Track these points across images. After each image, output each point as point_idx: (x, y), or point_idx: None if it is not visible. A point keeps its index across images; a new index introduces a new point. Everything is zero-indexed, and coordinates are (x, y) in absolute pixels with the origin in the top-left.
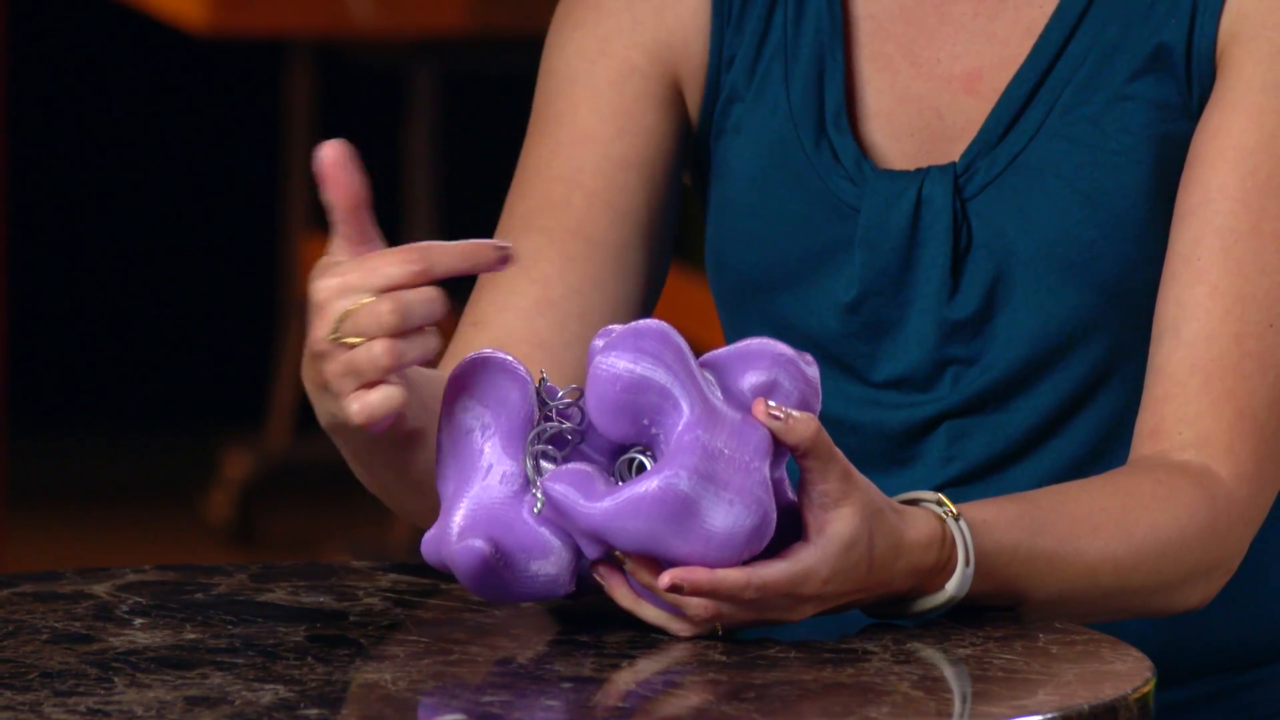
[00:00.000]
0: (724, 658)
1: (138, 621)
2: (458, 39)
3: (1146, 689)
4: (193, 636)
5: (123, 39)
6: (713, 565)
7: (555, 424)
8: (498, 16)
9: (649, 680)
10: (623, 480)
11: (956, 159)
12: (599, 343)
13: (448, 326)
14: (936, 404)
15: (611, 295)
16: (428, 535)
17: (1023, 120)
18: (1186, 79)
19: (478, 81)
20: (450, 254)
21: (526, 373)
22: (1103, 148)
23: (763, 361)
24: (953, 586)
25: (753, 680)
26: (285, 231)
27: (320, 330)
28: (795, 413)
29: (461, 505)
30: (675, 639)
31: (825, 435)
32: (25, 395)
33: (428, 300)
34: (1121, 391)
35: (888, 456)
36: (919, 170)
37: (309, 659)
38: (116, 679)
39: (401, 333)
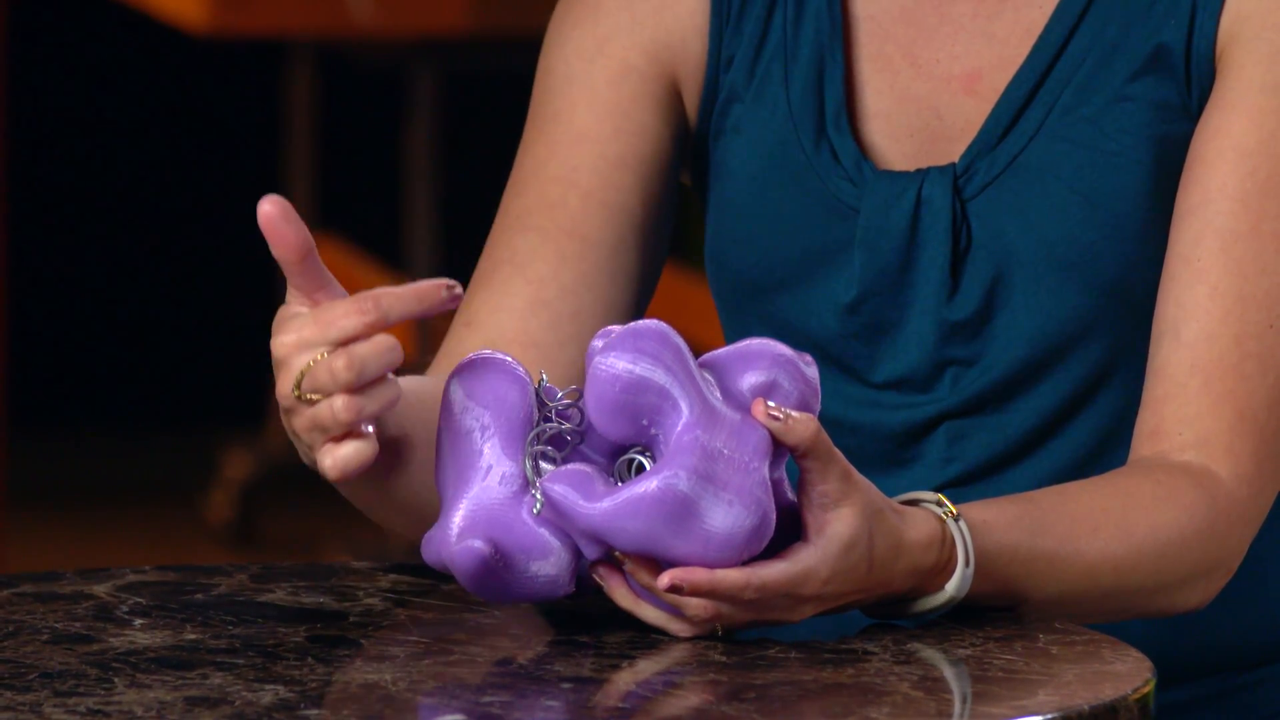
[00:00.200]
0: (724, 658)
1: (138, 622)
2: (458, 39)
3: (1146, 689)
4: (193, 637)
5: (123, 39)
6: (712, 566)
7: (554, 425)
8: (497, 17)
9: (649, 681)
10: (622, 481)
11: (956, 160)
12: (598, 343)
13: (441, 326)
14: (936, 405)
15: (605, 295)
16: (427, 536)
17: (1022, 121)
18: (1186, 79)
19: (478, 82)
20: (403, 299)
21: (526, 373)
22: (1102, 148)
23: (762, 362)
24: (952, 587)
25: (753, 681)
26: None
27: (283, 387)
28: (794, 413)
29: (461, 506)
30: (675, 639)
31: (825, 436)
32: (25, 395)
33: (383, 350)
34: (1121, 392)
35: (887, 457)
36: (919, 171)
37: (309, 659)
38: (116, 679)
39: (359, 387)
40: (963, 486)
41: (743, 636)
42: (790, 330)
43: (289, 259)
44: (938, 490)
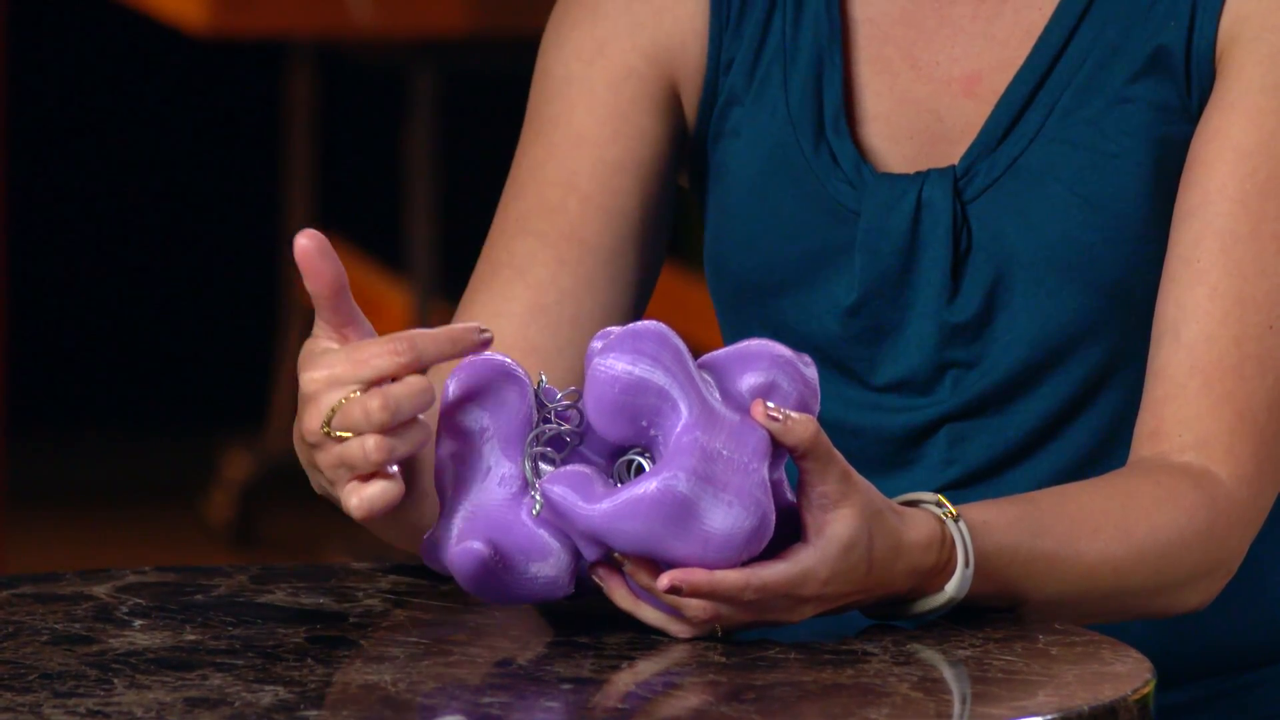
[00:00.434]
0: (723, 659)
1: (138, 623)
2: (458, 40)
3: (1146, 690)
4: (192, 638)
5: (123, 40)
6: (711, 566)
7: (554, 426)
8: (498, 17)
9: (648, 681)
10: (621, 482)
11: (956, 162)
12: (597, 344)
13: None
14: (937, 407)
15: (604, 300)
16: (427, 537)
17: (1022, 123)
18: (1186, 81)
19: (478, 82)
20: (437, 341)
21: (525, 375)
22: (1102, 150)
23: (761, 363)
24: (952, 588)
25: (752, 681)
26: (285, 233)
27: (311, 423)
28: (794, 414)
29: (460, 507)
30: (674, 640)
31: (824, 436)
32: (25, 396)
33: (417, 392)
34: (1121, 393)
35: (888, 460)
36: (919, 173)
37: (309, 660)
38: (116, 680)
39: (391, 428)
40: (963, 488)
41: (742, 637)
42: (790, 333)
43: (323, 294)
44: (938, 492)
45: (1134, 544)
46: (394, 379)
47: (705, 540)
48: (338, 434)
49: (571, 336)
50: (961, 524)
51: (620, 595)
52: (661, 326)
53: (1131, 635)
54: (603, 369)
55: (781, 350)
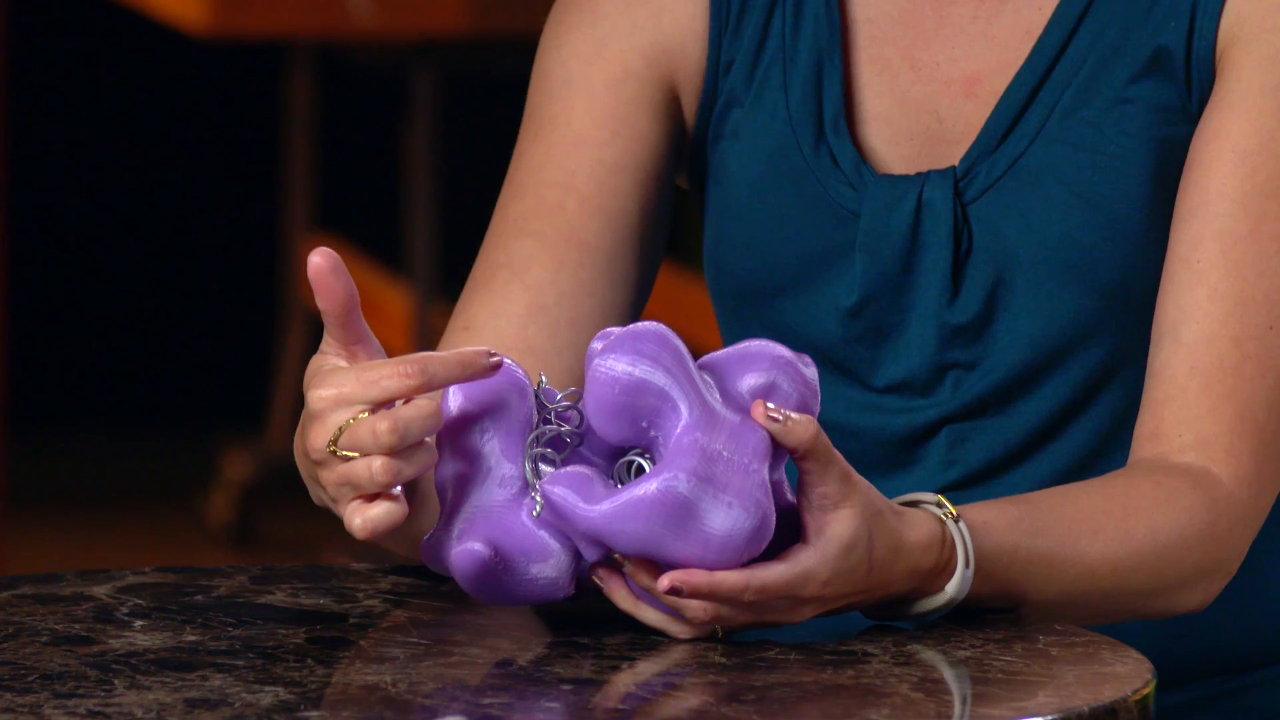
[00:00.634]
0: (723, 660)
1: (138, 623)
2: (457, 41)
3: (1146, 691)
4: (193, 638)
5: (123, 40)
6: (712, 567)
7: (554, 427)
8: (497, 19)
9: (648, 682)
10: (621, 483)
11: (956, 163)
12: (597, 345)
13: (438, 329)
14: (937, 408)
15: (602, 301)
16: (427, 538)
17: (1022, 124)
18: (1186, 82)
19: (477, 83)
20: (447, 365)
21: (525, 376)
22: (1102, 151)
23: (761, 363)
24: (952, 588)
25: (752, 682)
26: (285, 233)
27: (317, 441)
28: (794, 415)
29: (461, 508)
30: (674, 641)
31: (824, 437)
32: (25, 396)
33: (426, 415)
34: (1121, 394)
35: (889, 461)
36: (919, 174)
37: (309, 661)
38: (116, 681)
39: (399, 450)
40: (963, 489)
41: (742, 638)
42: (791, 335)
43: (333, 312)
44: (938, 493)
45: (1134, 544)
46: (402, 400)
47: (705, 541)
48: (343, 453)
49: (570, 338)
50: (962, 524)
51: (620, 596)
52: (662, 327)
53: (1131, 636)
54: (603, 370)
55: (782, 351)
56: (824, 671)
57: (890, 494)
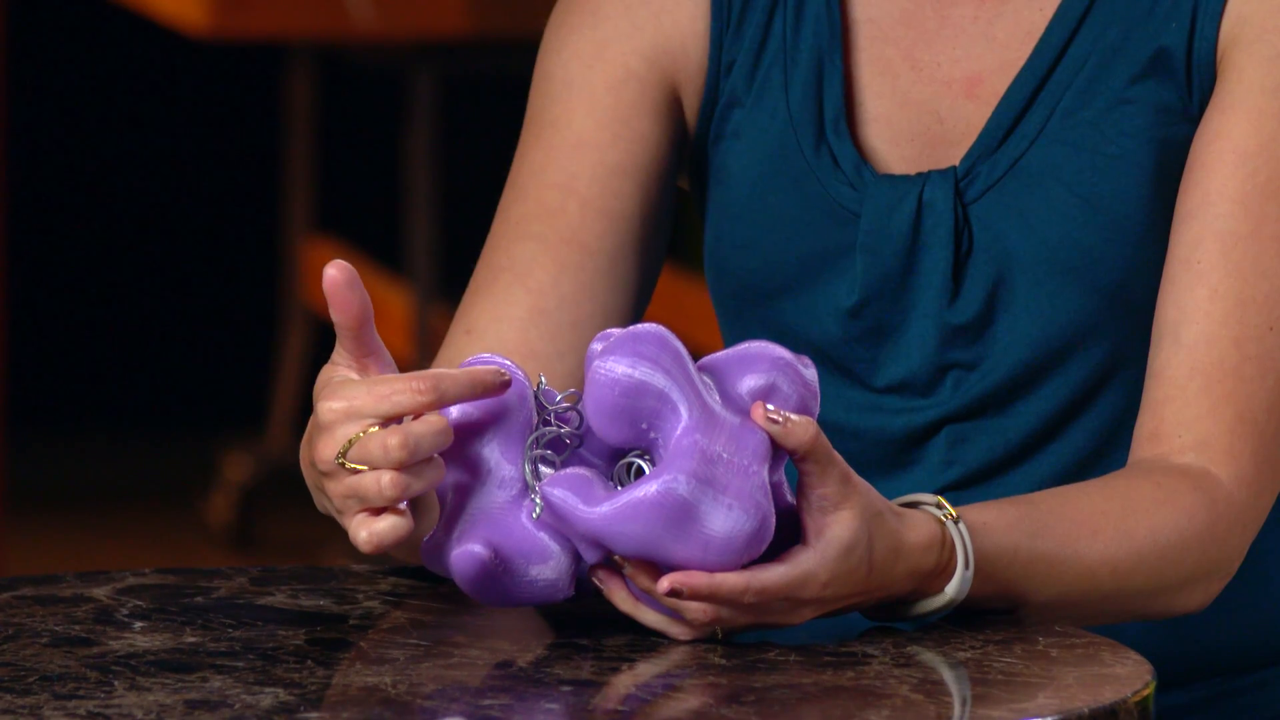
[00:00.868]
0: (723, 661)
1: (138, 625)
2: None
3: (1146, 692)
4: (193, 640)
5: (123, 41)
6: (712, 569)
7: (554, 428)
8: (497, 20)
9: (648, 683)
10: (621, 485)
11: (956, 163)
12: (597, 347)
13: (439, 331)
14: (937, 408)
15: (604, 304)
16: (427, 540)
17: (1023, 124)
18: (1187, 82)
19: (477, 85)
20: (459, 383)
21: (525, 377)
22: (1103, 151)
23: (761, 365)
24: (952, 589)
25: (752, 683)
26: (285, 235)
27: (326, 452)
28: (794, 416)
29: (460, 510)
30: (674, 642)
31: (824, 439)
32: (25, 398)
33: (437, 432)
34: (1121, 395)
35: (889, 461)
36: (919, 175)
37: (309, 662)
38: (116, 682)
39: (408, 466)
40: (963, 489)
41: (742, 639)
42: (791, 335)
43: (347, 325)
44: (938, 493)
45: (1133, 545)
46: (412, 415)
47: (705, 543)
48: (352, 466)
49: (572, 341)
50: (961, 525)
51: (620, 598)
52: (661, 329)
53: (1131, 637)
54: (602, 372)
55: (781, 352)
56: (824, 673)
57: (890, 494)
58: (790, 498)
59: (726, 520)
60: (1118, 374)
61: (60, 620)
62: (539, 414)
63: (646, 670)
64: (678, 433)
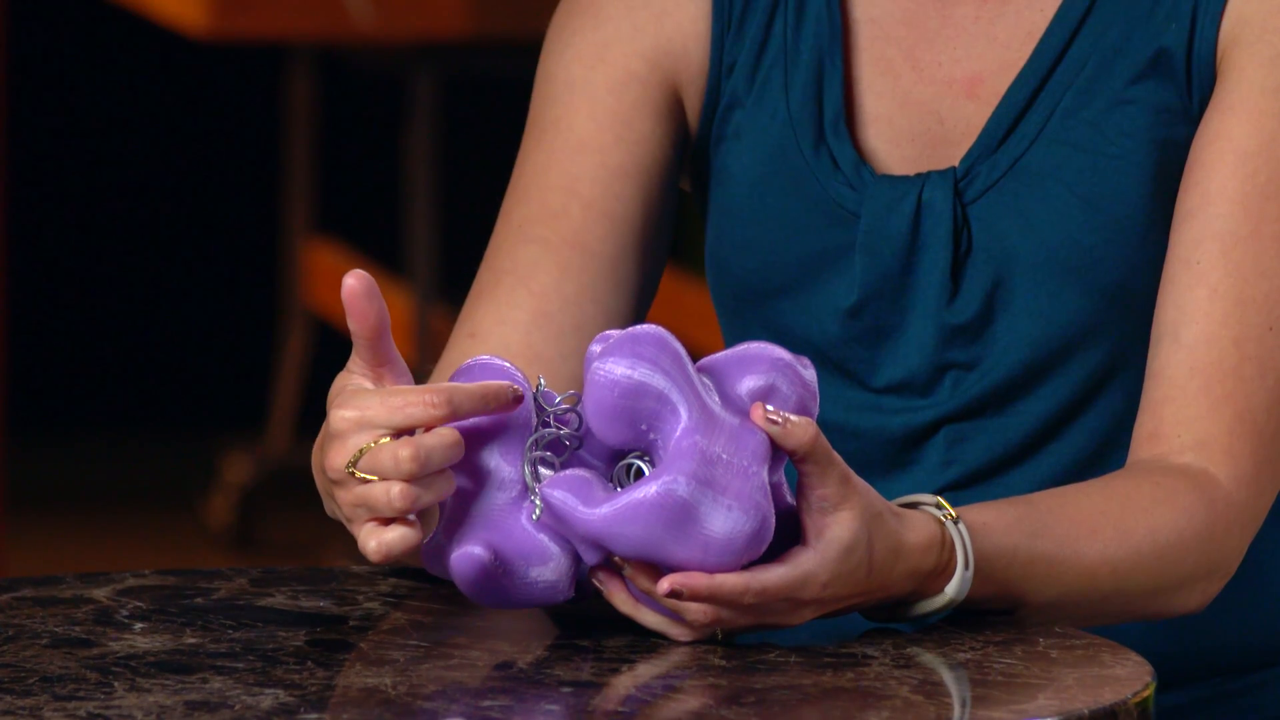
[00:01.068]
0: (723, 662)
1: (138, 626)
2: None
3: (1146, 693)
4: (193, 641)
5: (123, 42)
6: (712, 570)
7: (553, 430)
8: (497, 21)
9: (648, 685)
10: (621, 486)
11: (956, 164)
12: (596, 348)
13: (442, 333)
14: (936, 409)
15: (606, 307)
16: (427, 542)
17: (1023, 125)
18: (1187, 83)
19: (477, 86)
20: (472, 398)
21: (525, 378)
22: (1103, 152)
23: (760, 366)
24: (952, 590)
25: (752, 685)
26: (286, 236)
27: (336, 460)
28: (793, 417)
29: (460, 512)
30: (674, 643)
31: (823, 439)
32: (25, 399)
33: (448, 445)
34: (1121, 395)
35: (888, 461)
36: (919, 175)
37: (309, 663)
38: (116, 683)
39: (419, 478)
40: (962, 489)
41: (742, 640)
42: (791, 335)
43: (364, 335)
44: (937, 493)
45: (1133, 545)
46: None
47: (705, 544)
48: (362, 475)
49: (575, 344)
50: (961, 526)
51: (620, 599)
52: (660, 330)
53: (1131, 637)
54: (602, 373)
55: (781, 353)
56: (824, 674)
57: (889, 494)
58: (790, 498)
59: (726, 521)
60: (1117, 374)
61: (60, 621)
62: (538, 416)
63: (646, 671)
64: (677, 434)
